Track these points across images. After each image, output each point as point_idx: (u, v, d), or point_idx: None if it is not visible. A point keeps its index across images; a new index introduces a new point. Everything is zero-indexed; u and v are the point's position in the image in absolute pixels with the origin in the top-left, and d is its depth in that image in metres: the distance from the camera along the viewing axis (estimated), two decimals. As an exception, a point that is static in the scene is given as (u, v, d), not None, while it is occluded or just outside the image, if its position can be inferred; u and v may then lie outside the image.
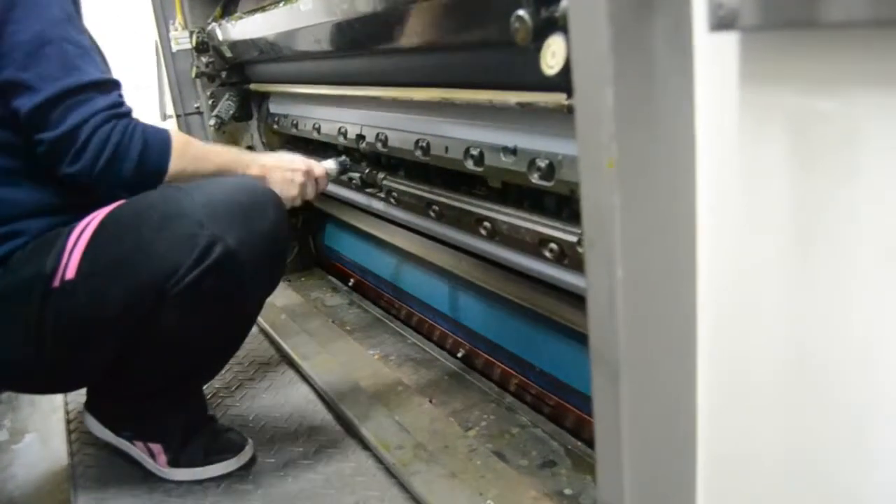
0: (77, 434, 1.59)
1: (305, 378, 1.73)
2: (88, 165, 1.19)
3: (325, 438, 1.49)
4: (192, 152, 1.29)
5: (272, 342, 1.94)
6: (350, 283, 2.34)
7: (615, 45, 0.57)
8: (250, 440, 1.46)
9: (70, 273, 1.16)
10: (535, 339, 1.50)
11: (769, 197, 0.57)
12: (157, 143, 1.25)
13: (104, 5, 1.48)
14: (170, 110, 2.46)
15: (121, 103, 1.23)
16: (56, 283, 1.17)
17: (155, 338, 1.21)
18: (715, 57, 0.58)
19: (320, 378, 1.67)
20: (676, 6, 0.58)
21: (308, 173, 1.42)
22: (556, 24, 0.77)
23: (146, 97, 2.68)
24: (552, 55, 0.74)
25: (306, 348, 1.83)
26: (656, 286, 0.64)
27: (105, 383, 1.37)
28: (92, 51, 1.24)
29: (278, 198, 1.27)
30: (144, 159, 1.22)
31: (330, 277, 2.45)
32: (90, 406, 1.48)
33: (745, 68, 0.56)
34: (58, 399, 1.79)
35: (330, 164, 1.55)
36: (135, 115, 1.25)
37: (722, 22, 0.53)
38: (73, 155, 1.18)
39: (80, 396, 1.71)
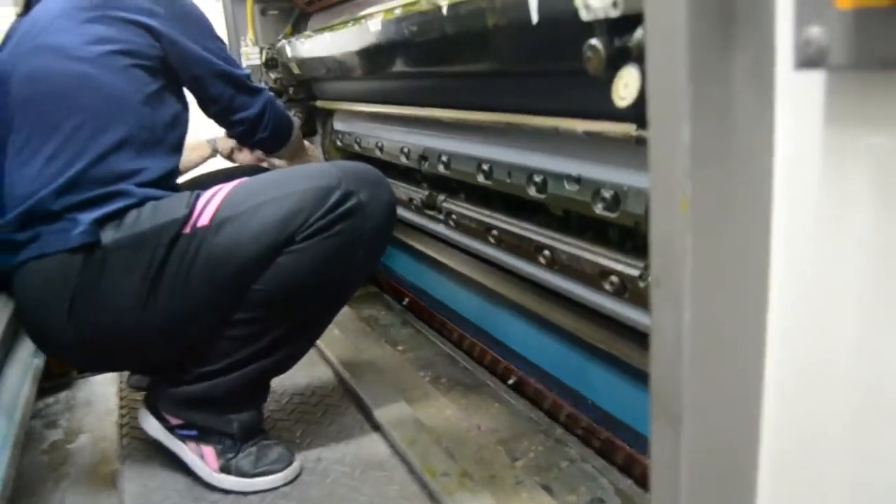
0: (128, 439, 1.61)
1: (354, 396, 1.72)
2: (272, 132, 1.66)
3: (371, 460, 1.47)
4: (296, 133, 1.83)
5: (325, 359, 1.94)
6: (405, 303, 2.33)
7: (694, 78, 0.55)
8: (298, 456, 1.46)
9: (204, 221, 1.28)
10: (588, 371, 1.47)
11: (848, 242, 0.54)
12: (288, 123, 1.77)
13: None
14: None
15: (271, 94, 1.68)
16: (188, 229, 1.27)
17: (266, 289, 1.29)
18: (798, 94, 0.55)
19: (370, 398, 1.66)
20: (759, 41, 0.56)
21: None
22: (630, 55, 0.75)
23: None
24: (624, 86, 0.72)
25: (357, 367, 1.83)
26: (725, 331, 0.62)
27: (182, 364, 1.40)
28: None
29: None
30: (287, 132, 1.76)
31: (385, 296, 2.45)
32: (149, 400, 1.48)
33: (830, 108, 0.53)
34: (112, 401, 1.81)
35: None
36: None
37: (809, 60, 0.51)
38: (263, 126, 1.63)
39: (134, 403, 1.74)
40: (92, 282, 1.27)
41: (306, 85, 2.30)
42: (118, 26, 1.35)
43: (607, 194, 1.07)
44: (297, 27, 2.27)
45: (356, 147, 2.09)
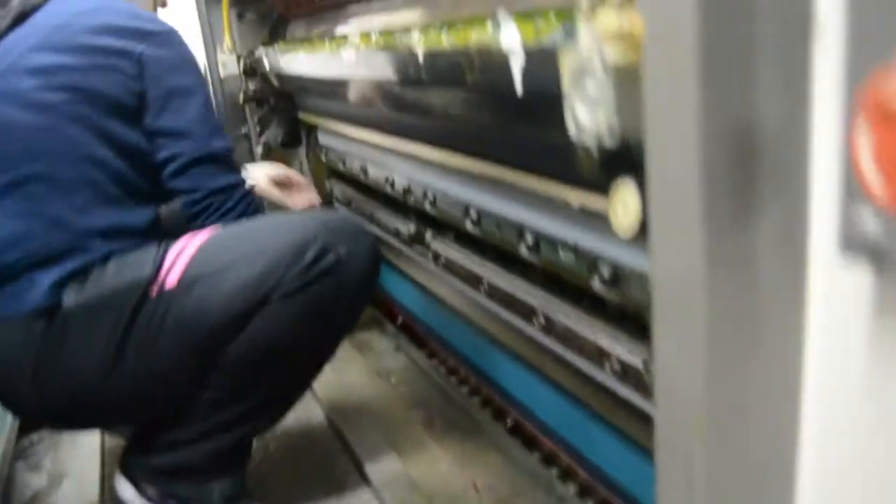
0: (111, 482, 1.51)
1: (345, 444, 1.62)
2: (221, 220, 1.32)
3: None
4: None
5: (315, 396, 1.83)
6: (399, 322, 2.22)
7: (709, 262, 0.42)
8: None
9: (171, 282, 1.18)
10: (588, 431, 1.36)
11: (891, 465, 0.42)
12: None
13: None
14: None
15: (232, 185, 1.36)
16: (153, 292, 1.17)
17: (240, 353, 1.19)
18: (838, 280, 0.43)
19: (361, 449, 1.56)
20: (787, 213, 0.43)
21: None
22: (629, 159, 0.62)
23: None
24: (623, 208, 0.59)
25: (347, 407, 1.73)
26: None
27: (157, 428, 1.31)
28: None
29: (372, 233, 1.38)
30: None
31: (377, 313, 2.33)
32: (125, 466, 1.38)
33: (882, 301, 0.41)
34: (97, 441, 1.71)
35: None
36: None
37: (859, 254, 0.38)
38: (224, 210, 1.32)
39: (119, 443, 1.64)
40: (56, 346, 1.18)
41: (288, 96, 2.16)
42: (92, 58, 1.23)
43: (606, 271, 0.95)
44: (276, 33, 2.13)
45: (340, 166, 1.96)
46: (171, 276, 1.18)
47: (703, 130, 0.41)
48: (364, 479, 1.50)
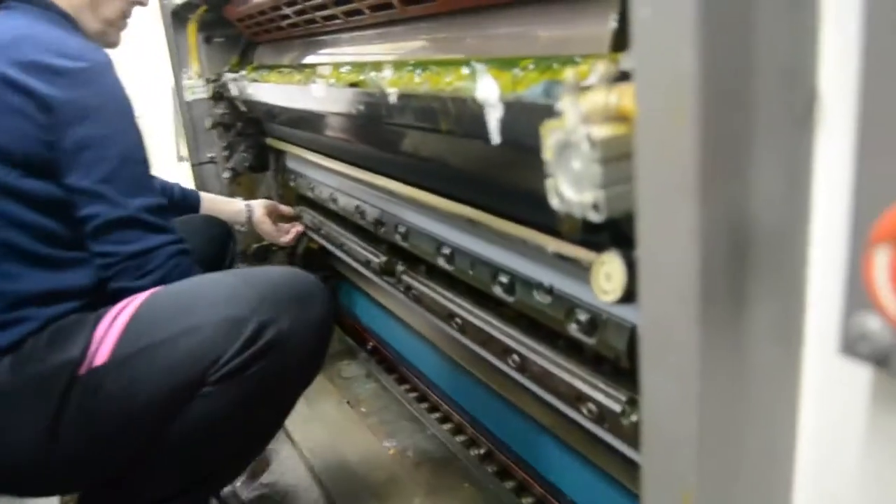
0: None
1: (315, 477, 1.60)
2: (149, 284, 1.17)
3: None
4: None
5: (286, 434, 1.80)
6: (369, 347, 2.20)
7: (702, 350, 0.42)
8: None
9: (101, 359, 1.08)
10: (561, 461, 1.35)
11: None
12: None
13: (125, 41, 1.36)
14: (185, 152, 2.34)
15: (182, 239, 1.22)
16: (83, 370, 1.08)
17: (182, 432, 1.11)
18: (835, 378, 0.42)
19: (331, 481, 1.54)
20: (784, 308, 0.43)
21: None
22: (615, 229, 0.62)
23: (163, 138, 2.57)
24: (606, 278, 0.59)
25: (316, 437, 1.70)
26: None
27: (109, 487, 1.23)
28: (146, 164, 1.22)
29: (326, 288, 1.24)
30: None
31: (347, 339, 2.30)
32: None
33: (878, 403, 0.41)
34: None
35: None
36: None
37: (861, 355, 0.38)
38: (142, 272, 1.16)
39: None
40: None
41: (255, 121, 2.13)
42: None
43: (583, 317, 0.94)
44: (244, 57, 2.10)
45: (310, 193, 1.94)
46: (102, 351, 1.08)
47: (700, 220, 0.40)
48: (318, 485, 1.48)
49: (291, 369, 1.15)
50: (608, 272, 0.59)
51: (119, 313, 1.12)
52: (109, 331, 1.10)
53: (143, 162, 1.19)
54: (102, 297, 1.17)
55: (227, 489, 1.56)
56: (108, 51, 1.23)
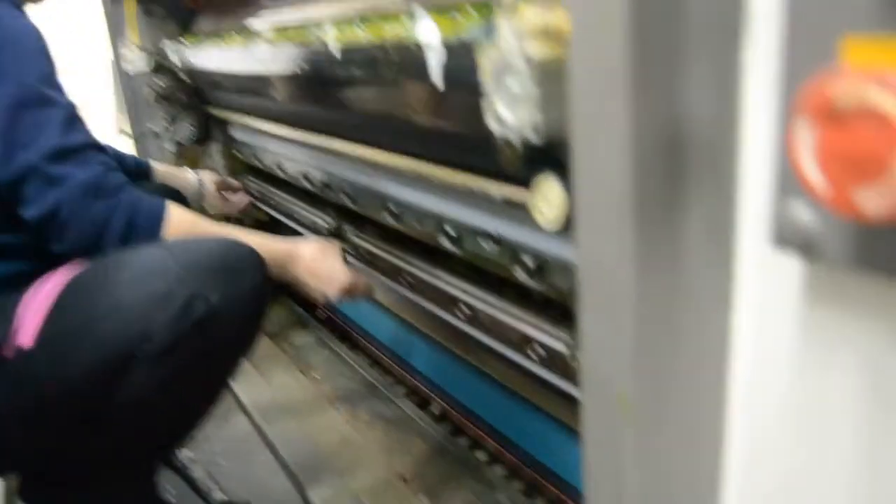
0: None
1: (267, 443, 1.60)
2: (73, 245, 1.11)
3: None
4: (196, 233, 1.20)
5: (233, 394, 1.80)
6: (320, 315, 2.21)
7: (638, 250, 0.44)
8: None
9: (26, 340, 1.04)
10: (515, 415, 1.39)
11: (825, 464, 0.45)
12: (145, 224, 1.16)
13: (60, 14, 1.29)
14: (126, 126, 2.30)
15: (102, 175, 1.12)
16: (8, 352, 1.04)
17: (116, 410, 1.06)
18: (768, 273, 0.45)
19: (283, 445, 1.55)
20: (718, 207, 0.45)
21: (346, 291, 1.33)
22: (553, 154, 0.64)
23: (102, 112, 2.52)
24: (545, 202, 0.61)
25: (267, 404, 1.70)
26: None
27: (47, 467, 1.22)
28: (71, 109, 1.14)
29: (261, 257, 1.15)
30: (131, 239, 1.14)
31: (298, 308, 2.30)
32: (24, 495, 1.33)
33: (810, 295, 0.43)
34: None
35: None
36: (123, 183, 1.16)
37: (791, 244, 0.40)
38: (57, 235, 1.11)
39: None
40: None
41: (198, 91, 2.10)
42: None
43: (529, 262, 0.96)
44: (185, 27, 2.07)
45: (256, 162, 1.93)
46: (25, 332, 1.04)
47: (633, 126, 0.42)
48: (291, 480, 1.49)
49: (224, 344, 1.10)
50: (547, 196, 0.61)
51: (39, 293, 1.08)
52: (35, 310, 1.06)
53: (47, 103, 1.10)
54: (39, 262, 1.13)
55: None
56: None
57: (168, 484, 1.50)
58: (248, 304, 1.11)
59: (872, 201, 0.32)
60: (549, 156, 0.63)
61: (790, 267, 0.43)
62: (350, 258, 1.46)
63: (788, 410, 0.45)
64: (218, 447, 1.63)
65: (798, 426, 0.45)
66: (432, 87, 0.84)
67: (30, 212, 1.09)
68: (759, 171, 0.43)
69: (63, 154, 1.09)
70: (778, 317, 0.45)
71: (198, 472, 1.51)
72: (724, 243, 0.45)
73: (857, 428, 0.42)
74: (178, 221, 1.20)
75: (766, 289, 0.45)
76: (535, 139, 0.52)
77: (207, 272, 1.06)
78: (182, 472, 1.53)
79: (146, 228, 1.16)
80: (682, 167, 0.44)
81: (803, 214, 0.39)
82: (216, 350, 1.09)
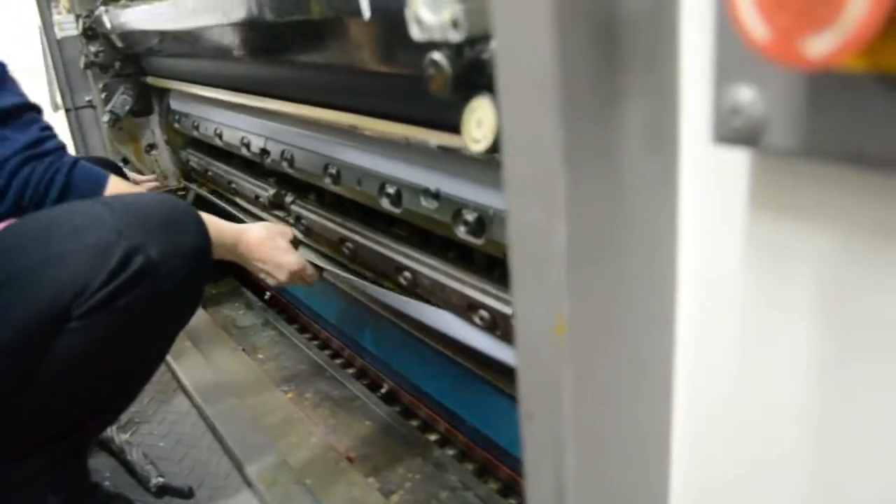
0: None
1: (209, 425, 1.52)
2: (11, 208, 1.07)
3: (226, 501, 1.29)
4: None
5: (174, 375, 1.71)
6: (266, 297, 2.12)
7: (568, 152, 0.37)
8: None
9: None
10: (462, 390, 1.32)
11: (775, 364, 0.39)
12: (85, 188, 1.13)
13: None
14: (61, 100, 2.18)
15: (39, 140, 1.10)
16: None
17: (50, 372, 1.00)
18: (714, 177, 0.39)
19: (225, 427, 1.46)
20: (659, 99, 0.39)
21: (295, 277, 1.30)
22: (483, 74, 0.57)
23: (34, 86, 2.39)
24: (477, 124, 0.54)
25: (213, 390, 1.61)
26: (617, 479, 0.46)
27: None
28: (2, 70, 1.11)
29: (201, 218, 1.10)
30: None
31: (244, 290, 2.21)
32: None
33: (759, 195, 0.37)
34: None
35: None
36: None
37: (734, 136, 0.34)
38: None
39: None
40: None
41: (135, 58, 2.00)
42: None
43: (470, 217, 0.90)
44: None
45: (195, 132, 1.84)
46: None
47: (557, 10, 0.35)
48: (232, 461, 1.41)
49: (163, 300, 1.04)
50: (479, 118, 0.54)
51: None
52: None
53: None
54: None
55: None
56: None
57: (103, 469, 1.41)
58: (188, 262, 1.06)
59: (819, 47, 0.26)
60: (480, 78, 0.56)
61: (737, 168, 0.37)
62: (299, 243, 1.39)
63: (738, 330, 0.39)
64: (157, 430, 1.54)
65: (748, 345, 0.39)
66: (362, 21, 0.77)
67: None
68: (700, 55, 0.37)
69: (2, 117, 1.07)
70: (726, 225, 0.38)
71: (135, 456, 1.42)
72: (666, 142, 0.39)
73: (810, 340, 0.36)
74: (118, 187, 1.16)
75: (711, 193, 0.38)
76: (456, 38, 0.45)
77: (147, 226, 1.01)
78: (119, 456, 1.45)
79: (87, 191, 1.13)
80: (615, 54, 0.37)
81: (748, 98, 0.33)
82: (154, 306, 1.03)
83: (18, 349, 0.99)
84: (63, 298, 0.96)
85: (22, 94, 1.13)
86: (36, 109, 1.14)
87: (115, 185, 1.17)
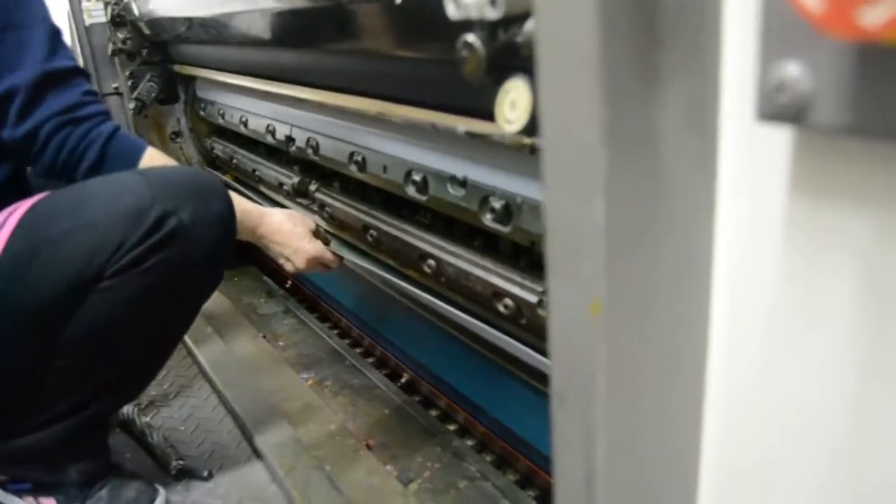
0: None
1: (229, 410, 1.53)
2: (48, 167, 1.17)
3: (248, 490, 1.30)
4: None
5: (198, 366, 1.72)
6: (287, 285, 2.13)
7: (608, 132, 0.37)
8: (161, 491, 1.26)
9: None
10: (486, 381, 1.32)
11: (815, 353, 0.38)
12: (123, 154, 1.21)
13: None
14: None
15: (79, 104, 1.16)
16: None
17: (80, 333, 1.05)
18: (757, 155, 0.38)
19: (244, 412, 1.47)
20: (700, 75, 0.38)
21: (314, 263, 1.35)
22: (517, 56, 0.56)
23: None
24: (511, 106, 0.54)
25: (234, 375, 1.62)
26: (650, 467, 0.45)
27: (4, 407, 1.15)
28: (54, 34, 1.16)
29: (227, 191, 1.16)
30: (105, 168, 1.18)
31: (265, 278, 2.22)
32: None
33: (803, 176, 0.36)
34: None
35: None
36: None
37: (779, 113, 0.33)
38: (33, 156, 1.16)
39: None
40: None
41: (162, 46, 2.01)
42: None
43: (497, 204, 0.89)
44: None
45: (220, 119, 1.84)
46: None
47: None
48: (253, 449, 1.41)
49: (193, 263, 1.09)
50: (513, 99, 0.54)
51: (12, 213, 1.06)
52: (5, 224, 1.05)
53: (25, 26, 1.13)
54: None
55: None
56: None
57: (125, 450, 1.43)
58: (215, 231, 1.10)
59: (874, 17, 0.25)
60: (515, 59, 0.56)
61: (777, 148, 0.36)
62: (322, 231, 1.40)
63: (774, 316, 0.39)
64: (178, 413, 1.55)
65: (784, 332, 0.38)
66: (391, 5, 0.77)
67: (8, 133, 1.12)
68: (745, 30, 0.36)
69: (47, 78, 1.12)
70: (765, 207, 0.38)
71: (156, 438, 1.43)
72: (707, 122, 0.38)
73: (849, 330, 0.36)
74: (154, 158, 1.23)
75: (750, 174, 0.38)
76: (493, 14, 0.45)
77: (180, 192, 1.06)
78: (140, 439, 1.46)
79: (122, 160, 1.19)
80: (658, 31, 0.37)
81: (794, 73, 0.32)
82: (184, 268, 1.08)
83: (52, 307, 1.04)
84: (99, 257, 1.01)
85: (72, 59, 1.18)
86: (84, 74, 1.19)
87: (150, 157, 1.23)
